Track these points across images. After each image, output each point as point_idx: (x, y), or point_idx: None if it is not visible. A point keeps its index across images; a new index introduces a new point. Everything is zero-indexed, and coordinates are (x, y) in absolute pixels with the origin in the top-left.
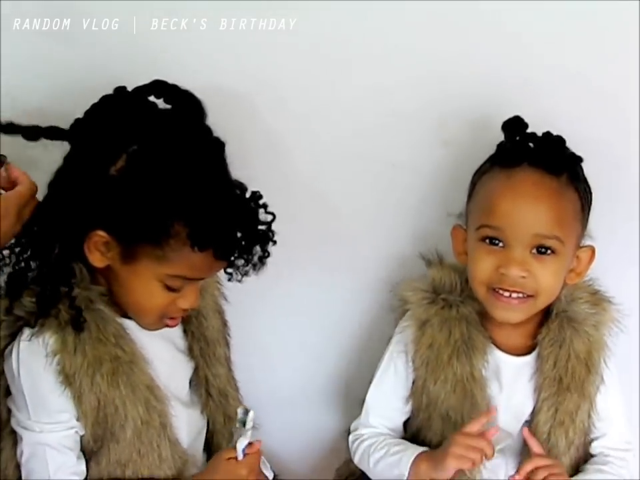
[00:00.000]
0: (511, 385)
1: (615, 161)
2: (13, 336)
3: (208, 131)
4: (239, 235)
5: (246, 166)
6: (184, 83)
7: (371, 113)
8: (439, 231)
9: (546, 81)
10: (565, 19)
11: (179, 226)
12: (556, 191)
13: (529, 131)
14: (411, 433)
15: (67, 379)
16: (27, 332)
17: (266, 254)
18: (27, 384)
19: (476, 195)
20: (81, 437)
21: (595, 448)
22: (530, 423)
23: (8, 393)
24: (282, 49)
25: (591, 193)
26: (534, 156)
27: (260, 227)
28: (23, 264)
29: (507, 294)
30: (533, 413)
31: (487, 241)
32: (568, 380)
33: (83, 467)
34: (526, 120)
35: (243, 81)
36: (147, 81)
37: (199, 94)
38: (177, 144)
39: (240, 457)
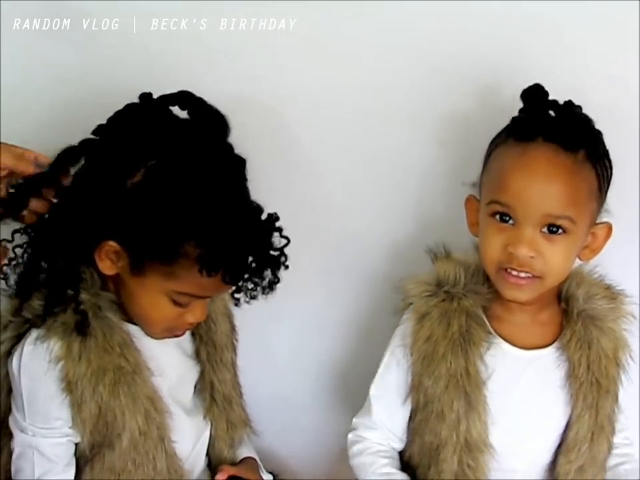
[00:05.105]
0: (530, 381)
1: (615, 159)
2: (20, 337)
3: (229, 148)
4: (250, 259)
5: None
6: (183, 83)
7: (371, 113)
8: (440, 228)
9: (545, 82)
10: (565, 21)
11: (189, 246)
12: (570, 169)
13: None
14: (409, 434)
15: (69, 386)
16: (33, 334)
17: (276, 279)
18: (27, 387)
19: (489, 167)
20: (77, 443)
21: None
22: (567, 432)
23: (11, 391)
24: (282, 49)
25: (611, 168)
26: (550, 130)
27: (272, 252)
28: (34, 265)
29: (515, 272)
30: (570, 422)
31: (497, 217)
32: (606, 381)
33: (70, 475)
34: None
35: (242, 81)
36: (147, 81)
37: (198, 94)
38: (196, 162)
39: None
